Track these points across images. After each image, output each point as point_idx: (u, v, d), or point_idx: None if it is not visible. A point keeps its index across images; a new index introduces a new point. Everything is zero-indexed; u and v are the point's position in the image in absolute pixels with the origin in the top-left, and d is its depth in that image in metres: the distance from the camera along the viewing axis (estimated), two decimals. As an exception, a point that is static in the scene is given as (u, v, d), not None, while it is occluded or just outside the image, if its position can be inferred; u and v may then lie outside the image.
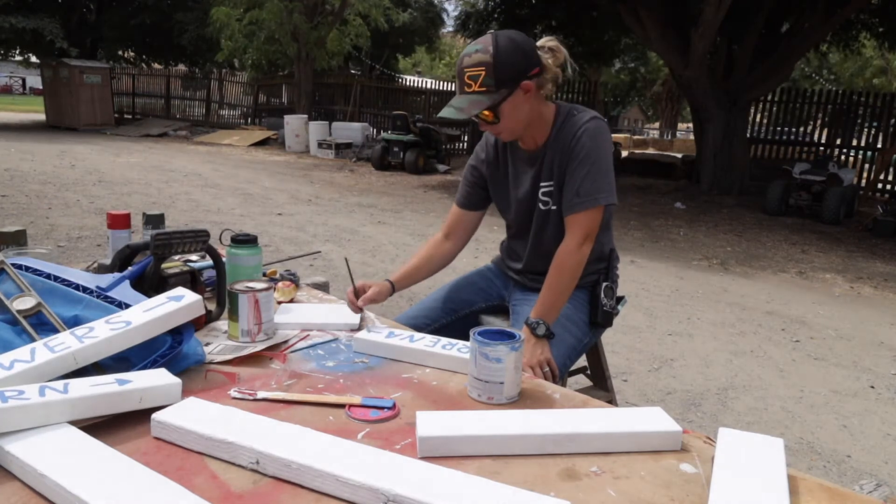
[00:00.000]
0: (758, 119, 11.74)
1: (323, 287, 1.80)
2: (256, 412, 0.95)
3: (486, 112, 1.47)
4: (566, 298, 1.54)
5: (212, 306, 1.35)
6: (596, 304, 1.64)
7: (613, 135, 15.65)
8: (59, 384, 0.89)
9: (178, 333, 1.12)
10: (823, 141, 11.16)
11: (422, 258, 1.70)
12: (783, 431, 2.66)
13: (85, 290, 1.17)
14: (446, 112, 1.47)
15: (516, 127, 1.53)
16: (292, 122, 13.62)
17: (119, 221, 1.67)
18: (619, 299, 1.80)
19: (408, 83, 18.81)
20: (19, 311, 1.07)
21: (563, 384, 1.67)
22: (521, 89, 1.46)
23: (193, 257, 1.58)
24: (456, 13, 17.66)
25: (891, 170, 10.48)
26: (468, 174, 1.74)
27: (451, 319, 1.75)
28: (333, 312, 1.44)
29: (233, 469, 0.84)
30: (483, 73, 1.42)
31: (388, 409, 1.01)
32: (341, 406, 1.02)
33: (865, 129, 10.97)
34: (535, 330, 1.48)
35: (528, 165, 1.62)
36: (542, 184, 1.60)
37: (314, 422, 0.97)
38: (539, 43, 1.51)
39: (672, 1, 9.46)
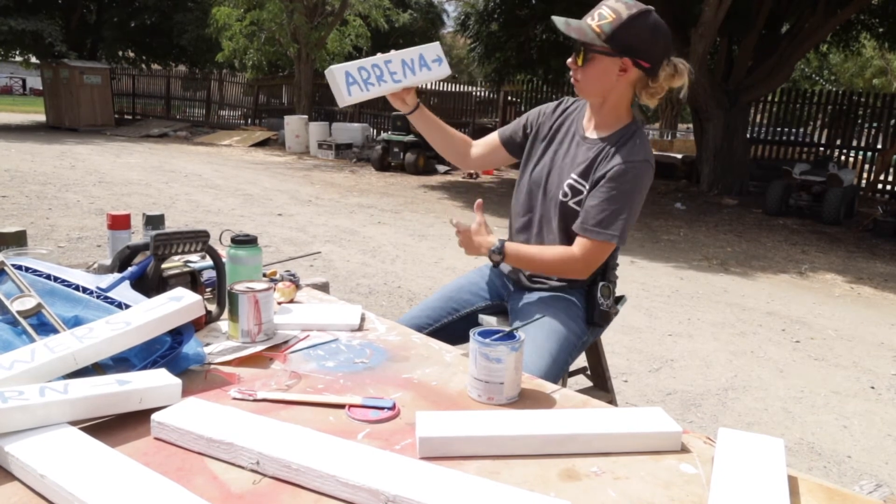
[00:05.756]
0: (758, 119, 11.73)
1: (323, 287, 1.80)
2: (256, 412, 0.95)
3: (581, 47, 1.50)
4: (527, 265, 1.61)
5: (212, 307, 1.35)
6: (593, 303, 1.64)
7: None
8: (60, 385, 0.89)
9: (179, 334, 1.12)
10: (823, 141, 11.16)
11: (449, 129, 1.78)
12: (783, 432, 2.66)
13: (85, 290, 1.17)
14: (558, 21, 1.50)
15: (590, 88, 1.55)
16: (292, 122, 13.62)
17: (119, 222, 1.67)
18: (619, 299, 1.80)
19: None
20: (19, 312, 1.07)
21: (564, 384, 1.67)
22: (621, 61, 1.49)
23: (193, 258, 1.58)
24: (456, 14, 17.66)
25: (891, 170, 10.48)
26: (525, 116, 1.77)
27: (452, 319, 1.76)
28: (333, 312, 1.44)
29: (233, 469, 0.84)
30: (611, 19, 1.46)
31: (388, 409, 1.01)
32: (341, 406, 1.02)
33: (865, 130, 10.97)
34: (495, 252, 1.55)
35: (576, 144, 1.64)
36: (573, 174, 1.59)
37: (314, 422, 0.96)
38: (674, 57, 1.54)
39: (672, 1, 9.46)
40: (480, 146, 1.83)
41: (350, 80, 1.50)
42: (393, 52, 1.58)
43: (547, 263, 1.58)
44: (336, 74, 1.49)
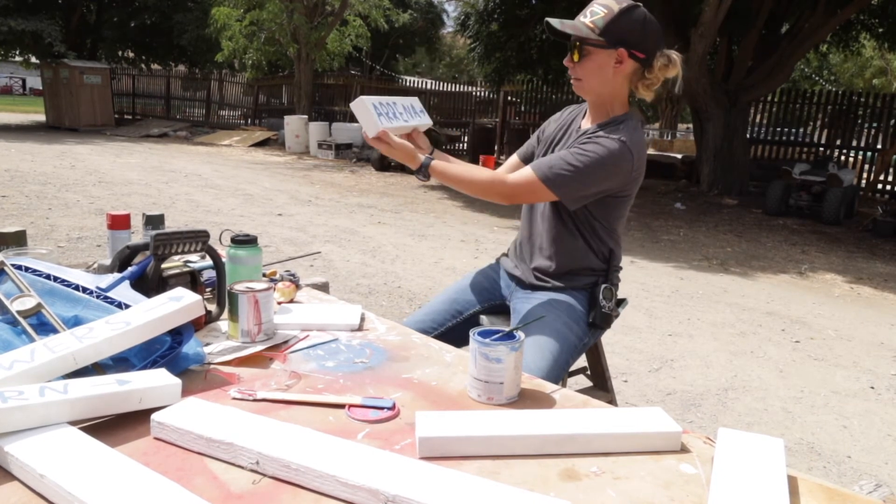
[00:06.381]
0: (758, 119, 11.73)
1: (323, 287, 1.80)
2: (256, 412, 0.95)
3: (577, 43, 1.54)
4: (454, 185, 1.59)
5: (212, 307, 1.35)
6: (594, 304, 1.65)
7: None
8: (59, 384, 0.89)
9: (178, 334, 1.12)
10: (823, 141, 11.16)
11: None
12: (783, 432, 2.66)
13: (85, 290, 1.17)
14: (554, 21, 1.55)
15: (589, 84, 1.58)
16: (292, 122, 13.62)
17: (119, 222, 1.67)
18: (620, 302, 1.80)
19: (408, 84, 18.82)
20: (19, 312, 1.07)
21: (564, 384, 1.67)
22: (616, 53, 1.52)
23: (193, 258, 1.58)
24: (456, 14, 17.68)
25: (891, 170, 10.48)
26: (538, 129, 1.83)
27: (456, 321, 1.77)
28: (333, 312, 1.44)
29: (233, 469, 0.84)
30: (603, 14, 1.52)
31: (388, 409, 1.01)
32: (341, 406, 1.02)
33: (865, 130, 10.97)
34: (423, 169, 1.56)
35: (572, 138, 1.66)
36: None
37: (314, 422, 0.96)
38: (666, 49, 1.57)
39: (672, 1, 9.46)
40: (503, 172, 1.85)
41: (378, 112, 1.56)
42: (389, 97, 1.69)
43: (475, 183, 1.59)
44: (367, 104, 1.54)
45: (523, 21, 12.80)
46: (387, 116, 1.58)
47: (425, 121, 1.77)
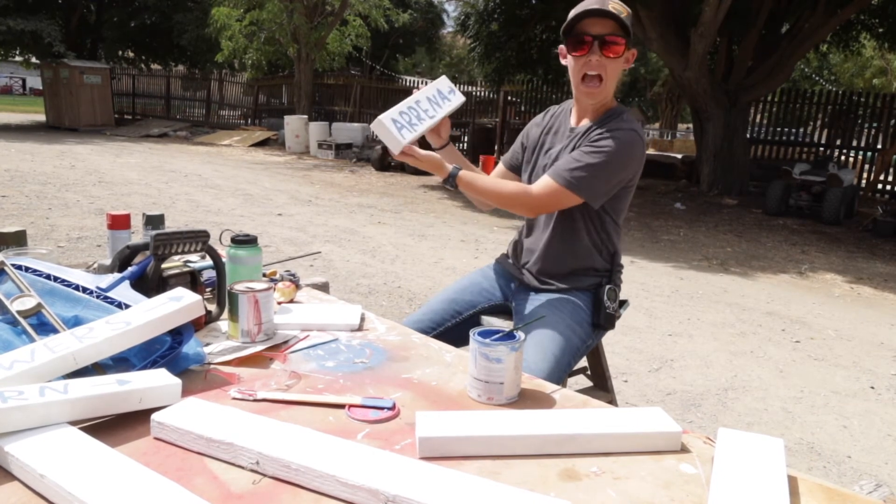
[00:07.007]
0: (758, 119, 11.73)
1: (323, 287, 1.80)
2: (256, 412, 0.95)
3: (621, 38, 1.49)
4: (481, 196, 1.58)
5: (212, 307, 1.35)
6: (599, 306, 1.65)
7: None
8: (59, 384, 0.89)
9: (178, 334, 1.12)
10: (823, 141, 11.16)
11: (475, 168, 1.77)
12: (783, 432, 2.66)
13: (85, 290, 1.17)
14: (611, 5, 1.47)
15: (608, 84, 1.56)
16: (292, 122, 13.62)
17: (119, 222, 1.67)
18: (622, 303, 1.80)
19: (408, 84, 18.83)
20: (19, 312, 1.07)
21: (564, 385, 1.67)
22: (629, 53, 1.54)
23: (193, 258, 1.58)
24: (456, 14, 17.68)
25: (891, 170, 10.48)
26: (520, 136, 1.81)
27: (456, 321, 1.76)
28: (333, 312, 1.44)
29: (233, 469, 0.84)
30: (626, 14, 1.50)
31: (388, 409, 1.01)
32: (341, 406, 1.02)
33: (865, 130, 10.97)
34: (451, 179, 1.53)
35: (566, 138, 1.66)
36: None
37: (314, 422, 0.96)
38: None
39: (672, 1, 9.46)
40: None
41: (398, 126, 1.54)
42: (415, 92, 1.64)
43: (502, 195, 1.58)
44: (385, 123, 1.52)
45: (523, 21, 12.80)
46: (409, 126, 1.55)
47: (456, 102, 1.69)
